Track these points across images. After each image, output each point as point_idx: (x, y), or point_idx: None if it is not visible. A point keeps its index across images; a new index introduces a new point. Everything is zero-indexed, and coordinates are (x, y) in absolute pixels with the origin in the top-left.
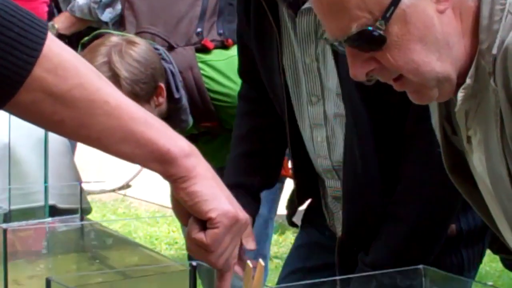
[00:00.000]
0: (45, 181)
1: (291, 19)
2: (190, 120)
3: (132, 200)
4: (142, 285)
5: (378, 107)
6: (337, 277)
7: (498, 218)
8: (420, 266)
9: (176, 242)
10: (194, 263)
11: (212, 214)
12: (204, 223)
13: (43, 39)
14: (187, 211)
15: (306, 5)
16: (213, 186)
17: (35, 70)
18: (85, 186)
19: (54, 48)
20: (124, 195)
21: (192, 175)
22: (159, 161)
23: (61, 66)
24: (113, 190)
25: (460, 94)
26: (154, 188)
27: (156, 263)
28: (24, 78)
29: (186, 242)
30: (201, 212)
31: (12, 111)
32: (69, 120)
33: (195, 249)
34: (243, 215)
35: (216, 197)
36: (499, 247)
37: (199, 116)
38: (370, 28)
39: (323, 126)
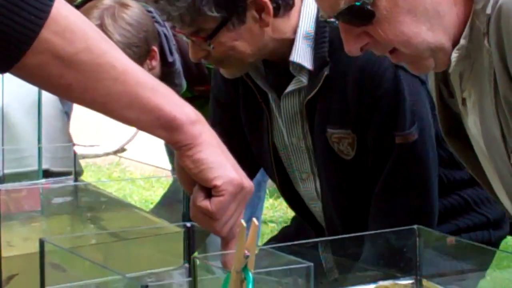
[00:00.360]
0: (39, 142)
1: (276, 102)
2: (184, 84)
3: (127, 164)
4: (136, 246)
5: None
6: (330, 237)
7: (494, 182)
8: (415, 226)
9: None
10: (188, 225)
11: (218, 182)
12: (209, 191)
13: (51, 0)
14: (192, 178)
15: (289, 89)
16: (218, 153)
17: (42, 32)
18: (79, 150)
19: (62, 11)
20: (120, 156)
21: (198, 142)
22: (165, 128)
23: (68, 29)
24: (108, 154)
25: (454, 55)
26: (149, 153)
27: (150, 224)
28: (31, 40)
29: (191, 210)
30: (206, 179)
31: (19, 74)
32: (75, 83)
33: (200, 217)
34: (248, 183)
35: (222, 164)
36: None
37: (192, 79)
38: (358, 3)
39: (318, 201)
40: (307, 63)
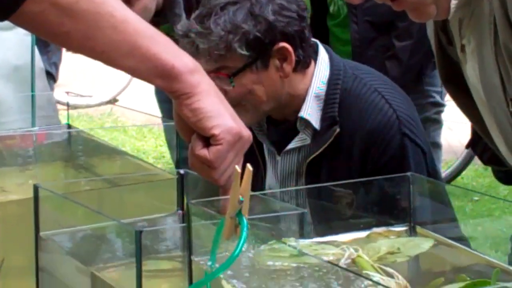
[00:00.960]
0: (32, 90)
1: (273, 157)
2: (184, 16)
3: (119, 114)
4: (130, 193)
5: None
6: (324, 184)
7: (492, 129)
8: (408, 174)
9: (163, 156)
10: (181, 171)
11: (216, 131)
12: (208, 140)
13: None
14: (190, 127)
15: (291, 145)
16: (217, 102)
17: None
18: (71, 100)
19: None
20: (114, 103)
21: (196, 91)
22: (163, 77)
23: None
24: (100, 105)
25: (454, 2)
26: (140, 104)
27: (143, 171)
28: None
29: (189, 158)
30: (204, 128)
31: (18, 22)
32: (75, 32)
33: (198, 165)
34: (246, 132)
35: (220, 113)
36: (489, 158)
37: (191, 13)
38: None
39: None
40: (315, 122)
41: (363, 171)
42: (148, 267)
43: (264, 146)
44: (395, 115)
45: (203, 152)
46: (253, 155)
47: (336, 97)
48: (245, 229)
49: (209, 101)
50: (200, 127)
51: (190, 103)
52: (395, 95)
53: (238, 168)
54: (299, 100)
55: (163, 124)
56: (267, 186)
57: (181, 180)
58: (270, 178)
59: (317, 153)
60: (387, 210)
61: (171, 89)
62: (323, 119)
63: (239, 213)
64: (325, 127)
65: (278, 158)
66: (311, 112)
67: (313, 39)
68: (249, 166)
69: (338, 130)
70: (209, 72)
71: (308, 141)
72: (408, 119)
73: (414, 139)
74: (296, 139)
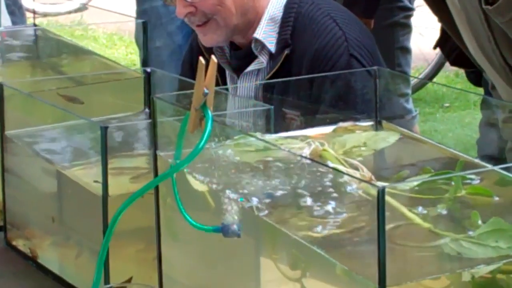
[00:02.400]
0: None
1: (234, 83)
2: None
3: (90, 22)
4: (96, 92)
5: None
6: (290, 78)
7: (462, 27)
8: (375, 68)
9: (134, 64)
10: (148, 70)
11: None
12: None
13: None
14: None
15: (249, 68)
16: None
17: None
18: (40, 8)
19: None
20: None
21: None
22: None
23: None
24: (70, 12)
25: None
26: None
27: (110, 70)
28: None
29: None
30: None
31: None
32: None
33: None
34: None
35: None
36: (456, 58)
37: None
38: None
39: None
40: (269, 44)
41: (310, 91)
42: (114, 165)
43: (227, 73)
44: (344, 37)
45: None
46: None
47: (291, 21)
48: (209, 121)
49: None
50: None
51: None
52: (349, 22)
53: (202, 60)
54: (257, 23)
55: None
56: (244, 121)
57: (148, 79)
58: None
59: (269, 75)
60: (353, 104)
61: None
62: (278, 42)
63: (203, 106)
64: (279, 50)
65: (238, 81)
66: (265, 34)
67: None
68: (213, 58)
69: (287, 52)
70: None
71: (265, 64)
72: (358, 43)
73: (362, 62)
74: (254, 62)
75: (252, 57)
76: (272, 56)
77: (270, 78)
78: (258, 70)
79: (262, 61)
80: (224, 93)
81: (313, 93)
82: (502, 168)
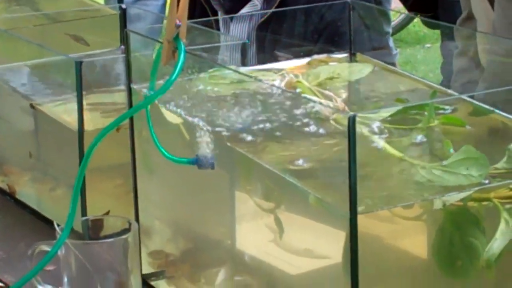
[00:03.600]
0: None
1: (227, 26)
2: None
3: None
4: (72, 29)
5: None
6: (263, 11)
7: None
8: (348, 0)
9: None
10: (123, 6)
11: None
12: None
13: None
14: None
15: (243, 11)
16: None
17: None
18: None
19: None
20: None
21: None
22: None
23: None
24: None
25: None
26: None
27: (86, 7)
28: None
29: None
30: None
31: None
32: None
33: None
34: None
35: None
36: (412, 4)
37: None
38: None
39: None
40: None
41: (304, 35)
42: (90, 100)
43: (219, 14)
44: None
45: None
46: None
47: None
48: (182, 53)
49: None
50: None
51: None
52: None
53: None
54: None
55: None
56: (219, 55)
57: (123, 15)
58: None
59: (264, 18)
60: (328, 37)
61: None
62: None
63: (176, 37)
64: None
65: (231, 24)
66: None
67: None
68: None
69: None
70: None
71: (259, 7)
72: None
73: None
74: (248, 4)
75: (245, 1)
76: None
77: (265, 21)
78: (252, 15)
79: (256, 3)
80: (200, 28)
81: (290, 26)
82: (470, 97)
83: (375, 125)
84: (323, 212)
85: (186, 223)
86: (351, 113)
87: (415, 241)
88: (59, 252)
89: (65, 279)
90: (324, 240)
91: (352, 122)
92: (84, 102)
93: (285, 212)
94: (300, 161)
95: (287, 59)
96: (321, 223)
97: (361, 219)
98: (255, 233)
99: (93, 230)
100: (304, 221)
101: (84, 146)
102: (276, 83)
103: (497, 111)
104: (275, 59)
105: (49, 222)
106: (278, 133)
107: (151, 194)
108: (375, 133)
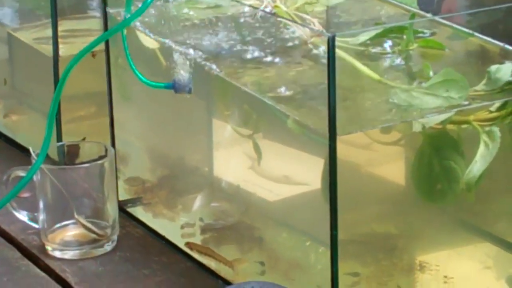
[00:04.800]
0: None
1: None
2: None
3: None
4: None
5: None
6: None
7: None
8: None
9: None
10: None
11: None
12: None
13: None
14: None
15: None
16: None
17: None
18: None
19: None
20: None
21: None
22: None
23: None
24: None
25: None
26: None
27: None
28: None
29: None
30: None
31: None
32: None
33: None
34: None
35: None
36: None
37: None
38: None
39: None
40: None
41: None
42: (65, 27)
43: None
44: None
45: None
46: None
47: None
48: None
49: None
50: None
51: None
52: None
53: None
54: None
55: None
56: None
57: None
58: None
59: None
60: None
61: None
62: None
63: None
64: None
65: None
66: None
67: None
68: None
69: None
70: None
71: None
72: None
73: None
74: None
75: None
76: None
77: None
78: None
79: None
80: None
81: None
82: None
83: (354, 48)
84: (301, 137)
85: (163, 150)
86: (330, 34)
87: (394, 166)
88: (34, 178)
89: (41, 205)
90: (302, 167)
91: (331, 42)
92: (59, 29)
93: (263, 139)
94: (278, 85)
95: None
96: (299, 149)
97: (340, 147)
98: (233, 159)
99: (69, 156)
100: (283, 148)
101: (59, 73)
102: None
103: (476, 34)
104: None
105: (24, 150)
106: (255, 56)
107: (127, 121)
108: (354, 57)
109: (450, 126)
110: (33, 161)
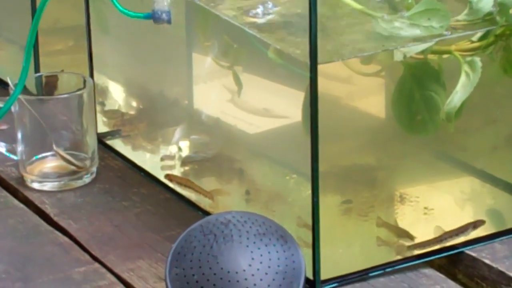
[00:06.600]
0: None
1: None
2: None
3: None
4: None
5: None
6: None
7: None
8: None
9: None
10: None
11: None
12: None
13: None
14: None
15: None
16: None
17: None
18: None
19: None
20: None
21: None
22: None
23: None
24: None
25: None
26: None
27: None
28: None
29: None
30: None
31: None
32: None
33: None
34: None
35: None
36: None
37: None
38: None
39: None
40: None
41: None
42: None
43: None
44: None
45: None
46: None
47: None
48: None
49: None
50: None
51: None
52: None
53: None
54: None
55: None
56: None
57: None
58: None
59: None
60: None
61: None
62: None
63: None
64: None
65: None
66: None
67: None
68: None
69: None
70: None
71: None
72: None
73: None
74: None
75: None
76: None
77: None
78: None
79: None
80: None
81: None
82: None
83: None
84: (282, 70)
85: (142, 82)
86: None
87: (374, 99)
88: (12, 109)
89: (19, 137)
90: (283, 100)
91: None
92: None
93: (243, 72)
94: (259, 13)
95: None
96: (280, 82)
97: (320, 80)
98: (213, 92)
99: (48, 88)
100: (263, 81)
101: (36, 5)
102: None
103: None
104: None
105: (2, 83)
106: None
107: (106, 55)
108: None
109: (431, 56)
110: (11, 92)
